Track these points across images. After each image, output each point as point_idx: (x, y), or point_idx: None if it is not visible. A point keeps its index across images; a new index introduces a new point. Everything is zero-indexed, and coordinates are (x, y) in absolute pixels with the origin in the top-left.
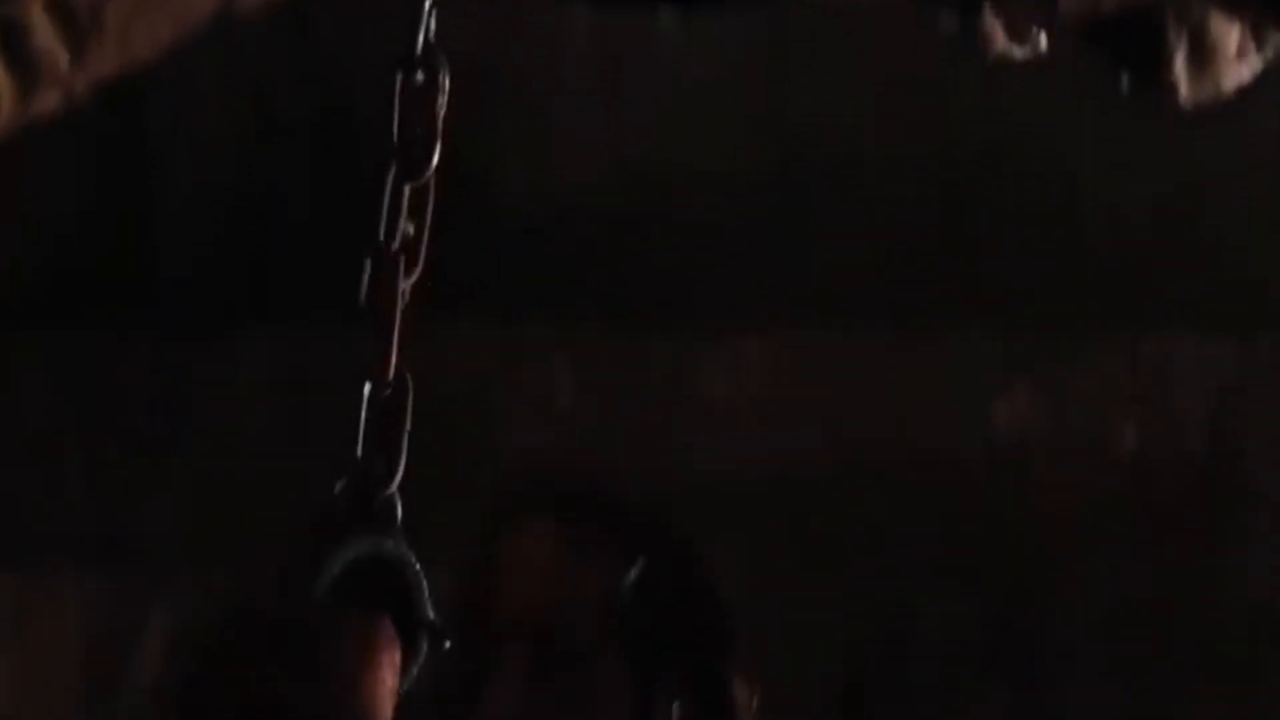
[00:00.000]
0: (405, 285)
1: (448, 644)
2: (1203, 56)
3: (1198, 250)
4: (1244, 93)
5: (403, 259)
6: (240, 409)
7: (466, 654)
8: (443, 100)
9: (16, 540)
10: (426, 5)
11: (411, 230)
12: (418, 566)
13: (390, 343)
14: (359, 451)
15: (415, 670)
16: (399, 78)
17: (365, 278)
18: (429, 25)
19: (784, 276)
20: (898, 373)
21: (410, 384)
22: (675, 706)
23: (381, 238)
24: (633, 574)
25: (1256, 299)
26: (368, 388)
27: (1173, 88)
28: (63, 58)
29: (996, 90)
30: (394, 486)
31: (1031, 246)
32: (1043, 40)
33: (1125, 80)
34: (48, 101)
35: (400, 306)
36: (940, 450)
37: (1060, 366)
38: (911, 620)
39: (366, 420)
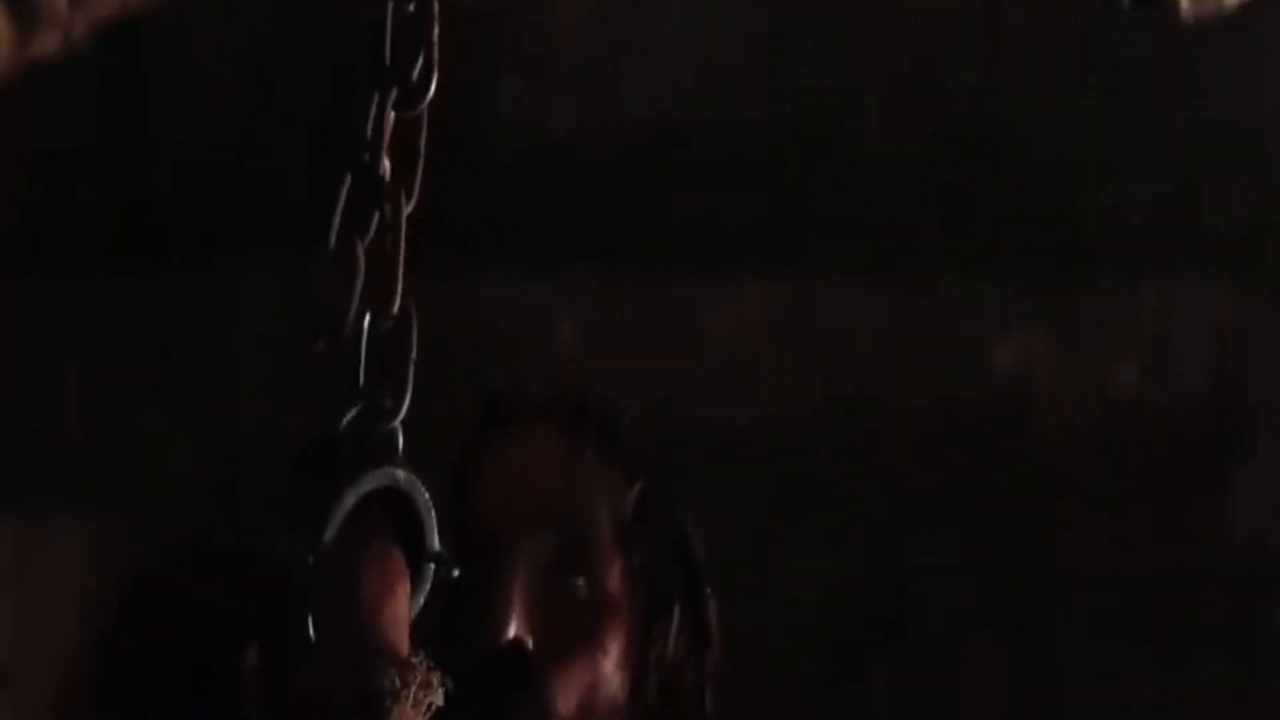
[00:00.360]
0: (404, 214)
1: (455, 573)
2: None
3: (1197, 192)
4: (1246, 8)
5: (401, 190)
6: (241, 351)
7: (466, 564)
8: (436, 31)
9: (15, 484)
10: None
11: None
12: (428, 498)
13: (395, 274)
14: (362, 384)
15: (422, 600)
16: (390, 5)
17: (358, 207)
18: None
19: (784, 225)
20: (897, 319)
21: (414, 315)
22: (674, 631)
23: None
24: (634, 492)
25: (1257, 240)
26: (368, 320)
27: (1173, 3)
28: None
29: (996, 31)
30: (399, 420)
31: (1030, 191)
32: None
33: None
34: (47, 43)
35: (402, 237)
36: (939, 396)
37: (1060, 310)
38: (910, 567)
39: (369, 353)
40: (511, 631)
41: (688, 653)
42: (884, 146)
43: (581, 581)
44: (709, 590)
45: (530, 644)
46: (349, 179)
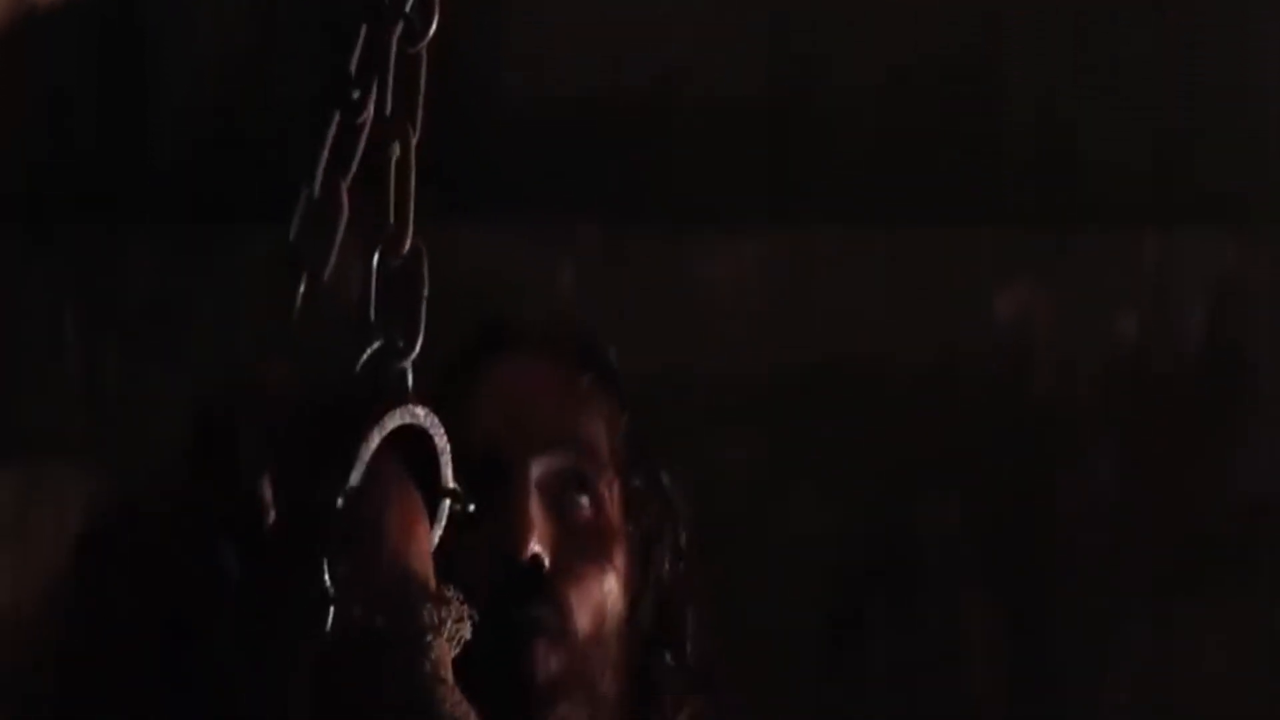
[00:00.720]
0: (412, 148)
1: (471, 508)
2: None
3: (1200, 143)
4: None
5: (409, 125)
6: (241, 301)
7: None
8: None
9: (16, 437)
10: None
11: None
12: (444, 434)
13: (406, 211)
14: (373, 320)
15: (438, 536)
16: None
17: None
18: None
19: (783, 174)
20: (896, 268)
21: (424, 253)
22: (667, 555)
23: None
24: (626, 418)
25: (1257, 190)
26: (376, 257)
27: None
28: None
29: None
30: (410, 359)
31: (1029, 139)
32: None
33: None
34: None
35: (412, 174)
36: (939, 345)
37: (1060, 260)
38: (909, 517)
39: (379, 291)
40: (532, 547)
41: (675, 579)
42: (884, 98)
43: (586, 501)
44: (683, 521)
45: (548, 560)
46: (337, 115)
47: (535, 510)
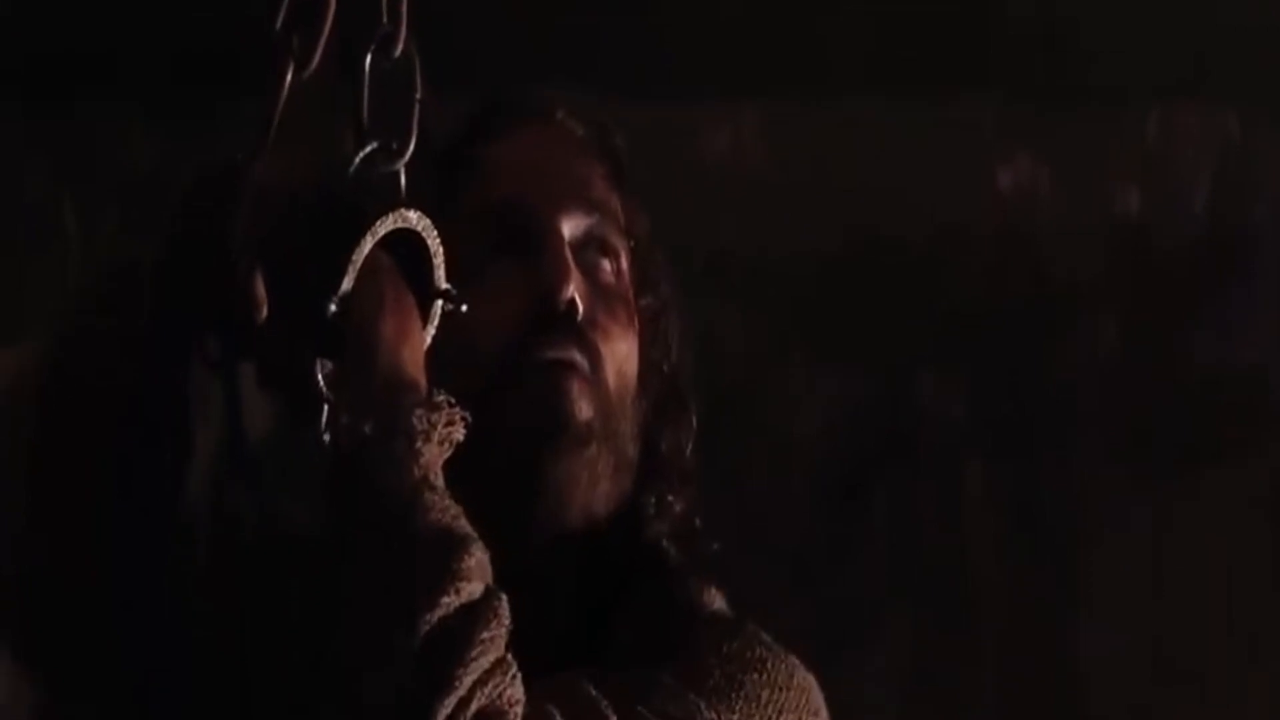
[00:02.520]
0: None
1: (463, 308)
2: None
3: (1200, 19)
4: None
5: None
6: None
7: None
8: None
9: (13, 322)
10: None
11: None
12: (437, 236)
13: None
14: (365, 122)
15: (430, 338)
16: None
17: None
18: None
19: (783, 47)
20: (898, 142)
21: (416, 55)
22: (674, 346)
23: None
24: (636, 201)
25: (1259, 66)
26: (369, 57)
27: None
28: None
29: None
30: (403, 162)
31: (1033, 14)
32: None
33: None
34: None
35: None
36: (941, 220)
37: (1062, 134)
38: (913, 393)
39: (370, 92)
40: (570, 290)
41: (676, 370)
42: None
43: (608, 266)
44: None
45: (582, 307)
46: None
47: (570, 257)
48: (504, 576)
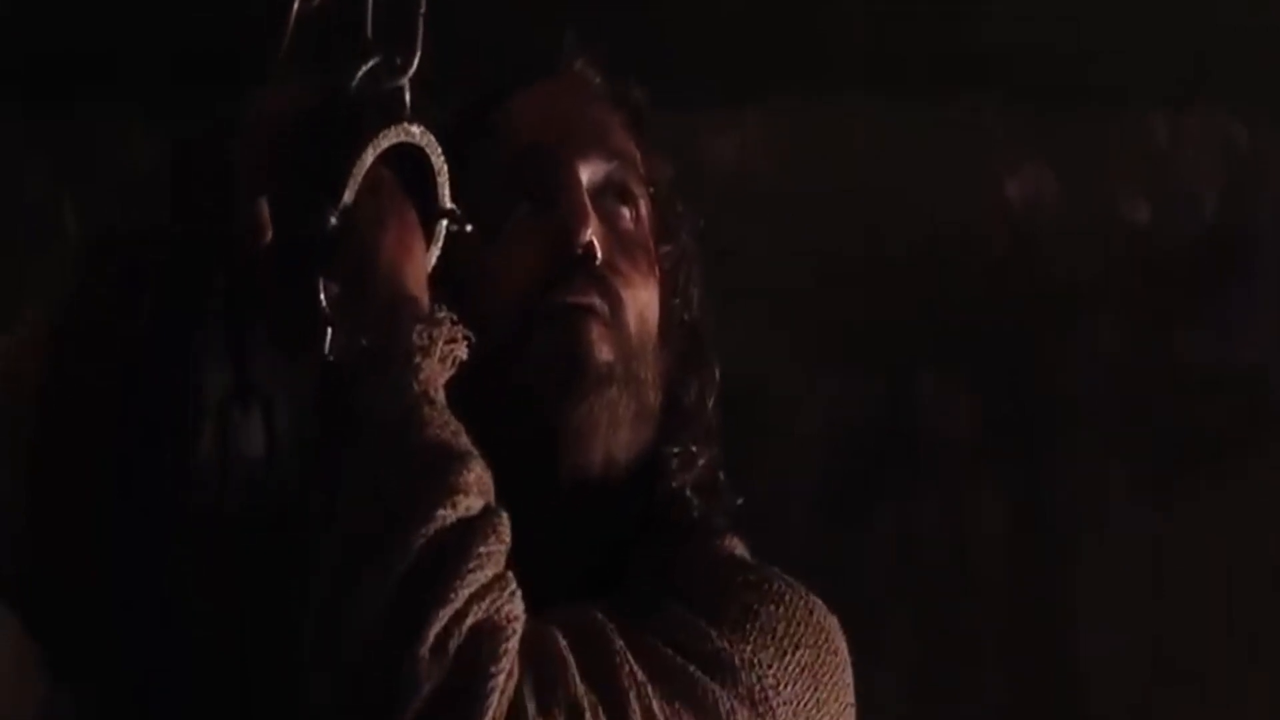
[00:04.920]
0: None
1: (469, 229)
2: None
3: (1201, 19)
4: None
5: None
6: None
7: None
8: None
9: (13, 312)
10: None
11: None
12: (441, 154)
13: None
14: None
15: (434, 258)
16: None
17: None
18: None
19: (783, 47)
20: (898, 142)
21: None
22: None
23: None
24: (657, 155)
25: (1260, 67)
26: None
27: None
28: None
29: None
30: (407, 77)
31: (1034, 14)
32: None
33: None
34: None
35: None
36: (941, 220)
37: (1063, 135)
38: (913, 393)
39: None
40: (587, 234)
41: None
42: None
43: (627, 213)
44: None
45: (600, 251)
46: None
47: (588, 201)
48: (525, 523)
